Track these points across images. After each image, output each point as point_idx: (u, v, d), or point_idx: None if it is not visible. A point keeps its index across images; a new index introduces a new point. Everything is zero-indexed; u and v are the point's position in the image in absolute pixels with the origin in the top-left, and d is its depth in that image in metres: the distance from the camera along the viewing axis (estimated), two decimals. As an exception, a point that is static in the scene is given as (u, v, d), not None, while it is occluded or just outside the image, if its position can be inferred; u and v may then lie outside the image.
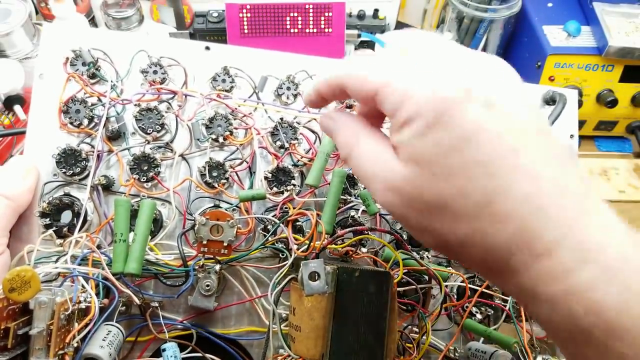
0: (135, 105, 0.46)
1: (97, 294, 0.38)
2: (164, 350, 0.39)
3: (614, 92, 0.81)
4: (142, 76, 0.47)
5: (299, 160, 0.48)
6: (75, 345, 0.35)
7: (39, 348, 0.34)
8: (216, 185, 0.45)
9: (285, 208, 0.46)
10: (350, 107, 0.50)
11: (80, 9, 0.86)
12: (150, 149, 0.46)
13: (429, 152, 0.24)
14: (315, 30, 0.82)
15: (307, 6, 0.80)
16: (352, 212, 0.46)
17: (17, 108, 0.71)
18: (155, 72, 0.47)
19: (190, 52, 0.49)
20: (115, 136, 0.46)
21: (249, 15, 0.81)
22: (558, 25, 0.83)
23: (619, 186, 0.82)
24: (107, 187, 0.45)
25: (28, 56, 0.76)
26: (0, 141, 0.68)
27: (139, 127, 0.46)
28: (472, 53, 0.25)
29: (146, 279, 0.43)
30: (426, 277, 0.46)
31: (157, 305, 0.43)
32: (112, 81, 0.47)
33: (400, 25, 0.95)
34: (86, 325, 0.36)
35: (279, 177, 0.46)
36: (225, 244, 0.41)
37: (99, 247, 0.42)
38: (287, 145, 0.47)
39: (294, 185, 0.46)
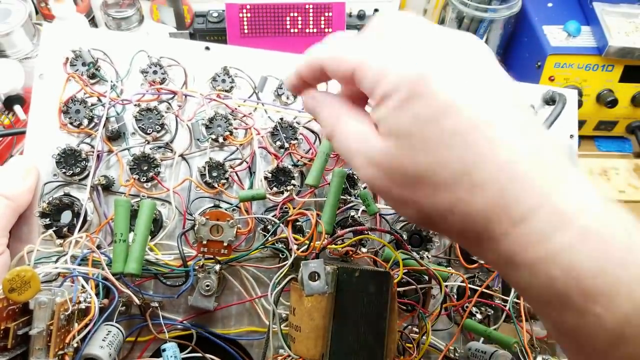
0: (135, 105, 0.46)
1: (97, 294, 0.38)
2: (164, 350, 0.39)
3: (614, 92, 0.81)
4: (142, 76, 0.47)
5: (299, 160, 0.48)
6: (75, 345, 0.35)
7: (38, 348, 0.34)
8: (216, 185, 0.45)
9: (285, 208, 0.46)
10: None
11: (80, 9, 0.86)
12: (150, 149, 0.46)
13: (407, 125, 0.25)
14: (315, 30, 0.82)
15: (307, 6, 0.80)
16: (352, 212, 0.46)
17: (17, 108, 0.71)
18: (155, 72, 0.47)
19: (190, 52, 0.49)
20: (115, 136, 0.46)
21: (249, 15, 0.81)
22: (558, 25, 0.83)
23: (619, 186, 0.82)
24: (107, 187, 0.45)
25: (28, 56, 0.76)
26: (0, 141, 0.68)
27: (139, 127, 0.46)
28: (446, 30, 0.26)
29: (146, 279, 0.43)
30: (426, 277, 0.46)
31: (157, 305, 0.43)
32: (112, 81, 0.47)
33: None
34: (86, 325, 0.36)
35: (279, 177, 0.46)
36: (225, 244, 0.41)
37: (98, 247, 0.42)
38: (287, 145, 0.47)
39: (294, 185, 0.46)
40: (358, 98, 0.31)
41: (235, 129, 0.47)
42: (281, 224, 0.44)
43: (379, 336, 0.36)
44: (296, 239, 0.42)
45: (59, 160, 0.44)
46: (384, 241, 0.44)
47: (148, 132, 0.45)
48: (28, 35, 0.76)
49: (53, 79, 0.46)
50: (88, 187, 0.44)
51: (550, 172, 0.23)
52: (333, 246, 0.43)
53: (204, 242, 0.41)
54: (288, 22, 0.81)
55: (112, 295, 0.39)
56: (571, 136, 0.53)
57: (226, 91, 0.48)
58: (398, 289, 0.43)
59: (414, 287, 0.44)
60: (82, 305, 0.37)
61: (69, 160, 0.44)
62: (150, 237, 0.42)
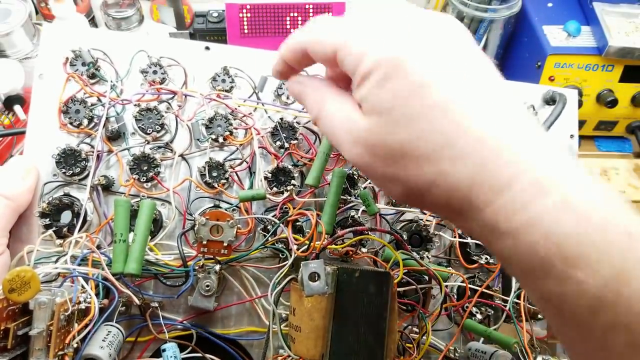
0: (135, 105, 0.46)
1: (97, 295, 0.38)
2: (163, 350, 0.39)
3: (614, 92, 0.81)
4: (141, 76, 0.47)
5: (299, 160, 0.48)
6: (75, 345, 0.35)
7: (38, 349, 0.34)
8: (216, 186, 0.45)
9: (285, 208, 0.46)
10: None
11: (80, 9, 0.86)
12: (150, 149, 0.46)
13: (388, 101, 0.25)
14: (315, 30, 0.82)
15: (307, 6, 0.80)
16: (352, 212, 0.46)
17: (17, 108, 0.71)
18: (155, 72, 0.47)
19: (190, 52, 0.49)
20: (115, 136, 0.46)
21: (248, 15, 0.81)
22: (558, 25, 0.82)
23: (619, 186, 0.82)
24: (107, 187, 0.45)
25: (28, 56, 0.76)
26: (0, 141, 0.68)
27: (139, 127, 0.46)
28: (423, 10, 0.28)
29: (146, 279, 0.43)
30: (426, 277, 0.46)
31: (157, 305, 0.43)
32: (111, 81, 0.47)
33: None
34: (86, 325, 0.36)
35: (279, 177, 0.46)
36: (225, 244, 0.41)
37: (98, 247, 0.42)
38: (287, 145, 0.47)
39: (294, 185, 0.46)
40: (342, 80, 0.32)
41: (235, 129, 0.47)
42: (281, 224, 0.44)
43: (379, 336, 0.36)
44: (296, 239, 0.42)
45: (59, 160, 0.44)
46: (384, 241, 0.44)
47: (148, 132, 0.45)
48: (28, 35, 0.76)
49: (53, 79, 0.46)
50: (88, 187, 0.44)
51: (530, 142, 0.24)
52: (333, 246, 0.43)
53: (204, 242, 0.41)
54: (288, 22, 0.81)
55: (112, 296, 0.39)
56: (571, 136, 0.53)
57: (226, 91, 0.48)
58: (398, 289, 0.43)
59: (414, 287, 0.44)
60: (82, 306, 0.37)
61: (69, 160, 0.44)
62: (150, 237, 0.42)
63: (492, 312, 0.47)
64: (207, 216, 0.41)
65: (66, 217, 0.44)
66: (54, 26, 0.48)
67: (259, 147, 0.47)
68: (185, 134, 0.47)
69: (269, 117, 0.49)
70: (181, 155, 0.47)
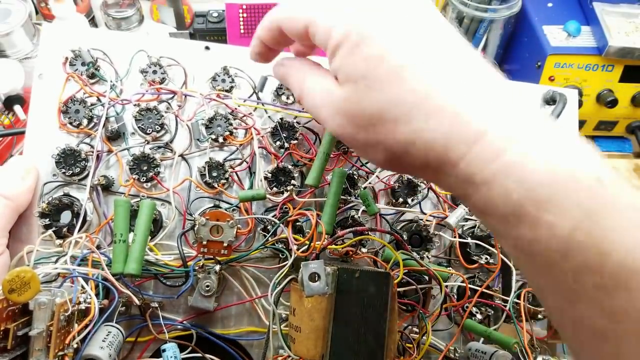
0: (134, 105, 0.46)
1: (97, 295, 0.38)
2: (163, 350, 0.39)
3: (614, 92, 0.81)
4: (141, 76, 0.47)
5: (299, 160, 0.48)
6: (75, 346, 0.35)
7: (38, 349, 0.34)
8: (216, 186, 0.45)
9: (285, 208, 0.46)
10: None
11: (80, 9, 0.86)
12: (150, 149, 0.46)
13: (360, 67, 0.27)
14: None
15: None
16: (352, 212, 0.46)
17: (17, 108, 0.71)
18: (154, 72, 0.47)
19: (190, 52, 0.49)
20: (115, 136, 0.46)
21: (245, 15, 0.81)
22: (558, 25, 0.82)
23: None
24: (107, 187, 0.45)
25: (28, 56, 0.76)
26: (0, 141, 0.68)
27: (139, 127, 0.46)
28: None
29: (146, 280, 0.43)
30: (426, 278, 0.46)
31: (157, 305, 0.43)
32: (111, 81, 0.46)
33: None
34: (86, 326, 0.36)
35: (279, 177, 0.46)
36: (225, 244, 0.41)
37: (98, 247, 0.42)
38: (287, 145, 0.47)
39: (294, 185, 0.46)
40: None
41: (235, 129, 0.47)
42: (281, 224, 0.43)
43: (379, 336, 0.36)
44: (296, 239, 0.42)
45: (59, 160, 0.44)
46: (384, 241, 0.44)
47: (148, 132, 0.45)
48: (28, 35, 0.76)
49: (52, 79, 0.46)
50: (88, 187, 0.44)
51: (498, 94, 0.26)
52: (333, 246, 0.43)
53: (204, 242, 0.41)
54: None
55: (112, 296, 0.39)
56: (571, 136, 0.53)
57: (226, 91, 0.48)
58: (398, 289, 0.43)
59: (414, 287, 0.44)
60: (82, 306, 0.37)
61: (69, 160, 0.44)
62: (150, 237, 0.42)
63: (492, 312, 0.47)
64: (207, 216, 0.41)
65: (66, 217, 0.44)
66: (54, 26, 0.48)
67: (259, 147, 0.47)
68: (185, 134, 0.47)
69: (269, 117, 0.49)
70: (181, 155, 0.47)
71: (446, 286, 0.44)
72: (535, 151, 0.23)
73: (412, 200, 0.48)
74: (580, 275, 0.22)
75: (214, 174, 0.45)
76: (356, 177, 0.47)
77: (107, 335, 0.38)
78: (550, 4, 0.87)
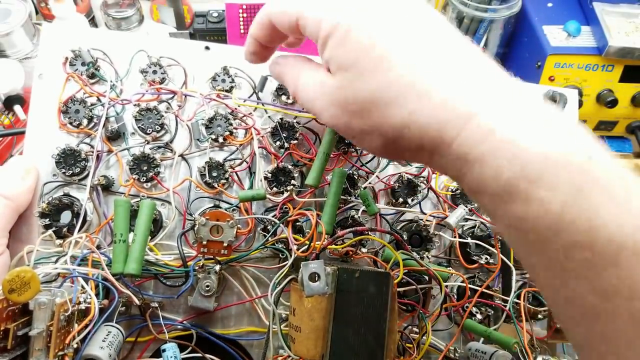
0: (134, 105, 0.46)
1: (97, 295, 0.38)
2: (163, 350, 0.39)
3: (614, 92, 0.81)
4: (141, 76, 0.47)
5: (299, 160, 0.48)
6: (75, 346, 0.35)
7: (38, 349, 0.34)
8: (216, 186, 0.45)
9: (285, 208, 0.46)
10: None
11: (80, 9, 0.86)
12: (150, 149, 0.46)
13: (351, 56, 0.28)
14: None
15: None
16: (352, 212, 0.46)
17: (17, 108, 0.71)
18: (154, 72, 0.47)
19: (190, 52, 0.49)
20: (115, 136, 0.46)
21: (245, 15, 0.81)
22: (558, 25, 0.83)
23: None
24: (107, 187, 0.45)
25: (28, 56, 0.76)
26: (0, 141, 0.68)
27: (139, 127, 0.46)
28: None
29: (146, 280, 0.43)
30: (426, 277, 0.46)
31: (157, 305, 0.43)
32: (111, 81, 0.46)
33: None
34: (86, 326, 0.36)
35: (279, 177, 0.46)
36: (225, 244, 0.41)
37: (98, 247, 0.42)
38: (287, 145, 0.47)
39: (294, 185, 0.46)
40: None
41: (235, 129, 0.47)
42: (281, 224, 0.43)
43: (379, 337, 0.36)
44: (296, 239, 0.42)
45: (59, 161, 0.44)
46: (384, 241, 0.44)
47: (148, 132, 0.45)
48: (28, 35, 0.76)
49: (52, 79, 0.46)
50: (88, 187, 0.44)
51: (487, 74, 0.26)
52: (333, 246, 0.43)
53: (204, 242, 0.41)
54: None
55: (112, 296, 0.39)
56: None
57: (226, 91, 0.48)
58: (398, 289, 0.43)
59: (414, 287, 0.44)
60: (82, 306, 0.37)
61: (69, 160, 0.44)
62: (150, 237, 0.42)
63: (492, 312, 0.47)
64: (207, 216, 0.41)
65: (66, 217, 0.44)
66: (54, 26, 0.48)
67: (259, 147, 0.47)
68: (185, 134, 0.47)
69: (269, 117, 0.49)
70: (181, 155, 0.47)
71: (446, 286, 0.44)
72: (527, 129, 0.24)
73: (412, 200, 0.48)
74: (572, 251, 0.22)
75: (214, 174, 0.45)
76: (356, 177, 0.47)
77: (107, 335, 0.38)
78: (550, 4, 0.87)
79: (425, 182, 0.49)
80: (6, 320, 0.33)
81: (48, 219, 0.42)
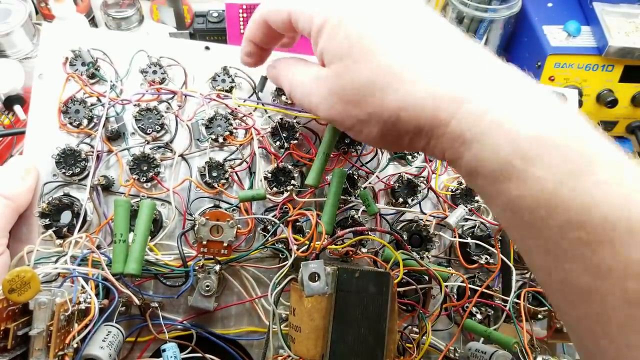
0: (134, 105, 0.46)
1: (97, 295, 0.38)
2: (163, 350, 0.39)
3: (614, 92, 0.81)
4: (141, 76, 0.47)
5: (299, 160, 0.48)
6: (75, 346, 0.35)
7: (38, 349, 0.34)
8: (216, 186, 0.45)
9: (285, 208, 0.46)
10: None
11: (80, 9, 0.86)
12: (150, 149, 0.46)
13: (344, 46, 0.28)
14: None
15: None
16: (352, 212, 0.46)
17: (17, 108, 0.71)
18: (154, 72, 0.47)
19: (190, 52, 0.49)
20: (115, 136, 0.46)
21: (245, 15, 0.81)
22: (558, 25, 0.83)
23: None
24: (107, 187, 0.45)
25: (28, 56, 0.76)
26: (0, 141, 0.68)
27: (139, 127, 0.46)
28: None
29: (146, 280, 0.43)
30: (426, 277, 0.46)
31: (157, 305, 0.43)
32: (111, 81, 0.46)
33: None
34: (86, 325, 0.36)
35: (279, 177, 0.46)
36: (225, 244, 0.41)
37: (98, 247, 0.42)
38: (287, 145, 0.47)
39: (294, 185, 0.46)
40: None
41: (235, 129, 0.47)
42: (281, 224, 0.43)
43: (379, 336, 0.36)
44: (296, 239, 0.42)
45: (59, 161, 0.44)
46: (384, 241, 0.44)
47: (148, 132, 0.45)
48: (28, 35, 0.76)
49: (52, 79, 0.46)
50: (88, 187, 0.44)
51: (480, 58, 0.27)
52: (333, 246, 0.43)
53: (204, 242, 0.41)
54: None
55: (112, 296, 0.39)
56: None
57: (226, 91, 0.48)
58: (398, 289, 0.43)
59: (414, 287, 0.44)
60: (82, 306, 0.37)
61: (69, 160, 0.44)
62: (150, 237, 0.42)
63: (492, 312, 0.47)
64: (207, 216, 0.41)
65: (66, 217, 0.44)
66: (54, 26, 0.48)
67: (259, 147, 0.47)
68: (185, 134, 0.47)
69: (269, 117, 0.49)
70: (181, 155, 0.47)
71: (446, 286, 0.44)
72: (522, 110, 0.24)
73: (412, 200, 0.48)
74: (566, 231, 0.22)
75: (214, 174, 0.45)
76: (356, 177, 0.47)
77: (107, 335, 0.38)
78: (550, 4, 0.87)
79: (425, 182, 0.49)
80: (6, 320, 0.33)
81: (48, 219, 0.42)
